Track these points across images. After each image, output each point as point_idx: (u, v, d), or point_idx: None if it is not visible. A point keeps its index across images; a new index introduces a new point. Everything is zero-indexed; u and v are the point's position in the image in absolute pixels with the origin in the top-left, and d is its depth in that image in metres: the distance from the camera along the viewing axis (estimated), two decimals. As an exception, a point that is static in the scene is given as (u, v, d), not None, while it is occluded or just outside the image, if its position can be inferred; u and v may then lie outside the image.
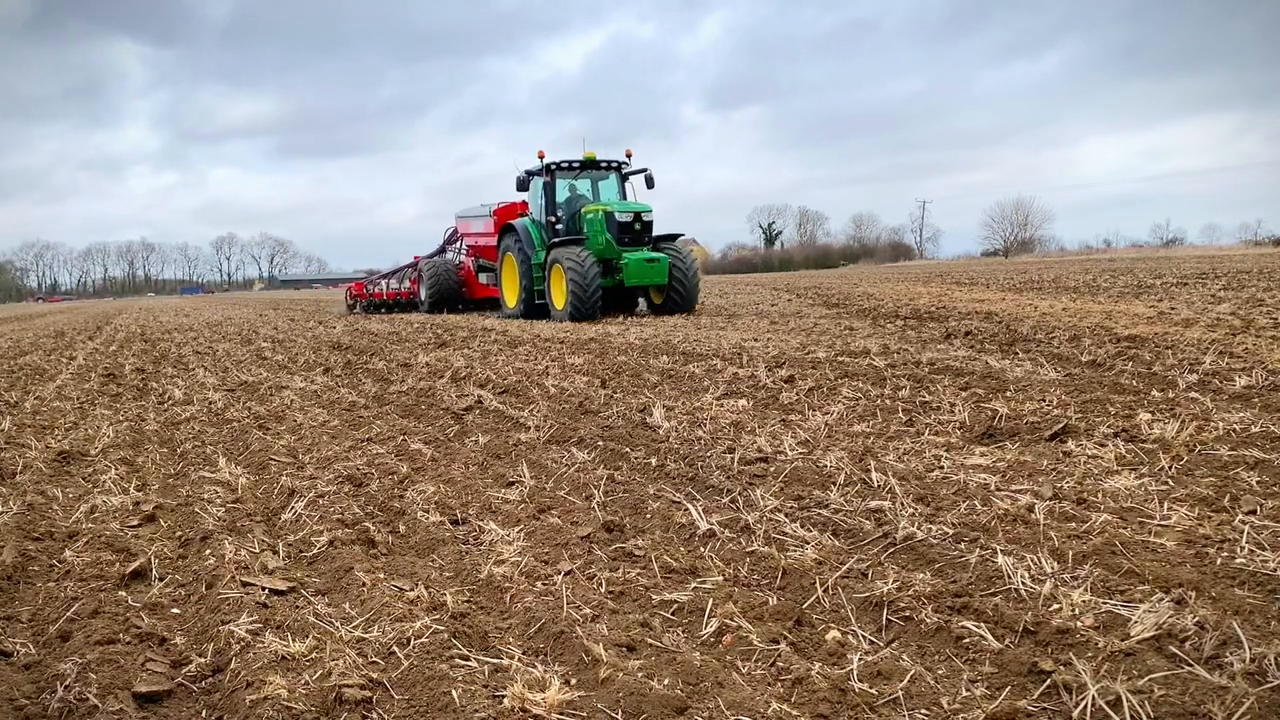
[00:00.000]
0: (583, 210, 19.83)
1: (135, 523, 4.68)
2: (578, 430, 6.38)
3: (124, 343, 18.79)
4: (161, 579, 3.85)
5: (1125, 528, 3.76)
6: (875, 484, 4.56)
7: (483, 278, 25.36)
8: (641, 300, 20.76)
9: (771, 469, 5.03)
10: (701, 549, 3.89)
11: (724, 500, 4.54)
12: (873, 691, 2.64)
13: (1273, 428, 5.17)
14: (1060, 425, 5.53)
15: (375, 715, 2.62)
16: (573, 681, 2.77)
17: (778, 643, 2.97)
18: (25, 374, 12.50)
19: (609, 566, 3.76)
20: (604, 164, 20.68)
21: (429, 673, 2.80)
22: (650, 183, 20.27)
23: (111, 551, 4.15)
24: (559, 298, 18.85)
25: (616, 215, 18.92)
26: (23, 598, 3.68)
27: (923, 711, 2.54)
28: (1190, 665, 2.60)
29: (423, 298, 25.64)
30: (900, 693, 2.62)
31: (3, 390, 10.47)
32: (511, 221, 21.25)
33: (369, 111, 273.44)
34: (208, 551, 4.11)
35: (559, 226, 20.12)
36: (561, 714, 2.56)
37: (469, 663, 2.91)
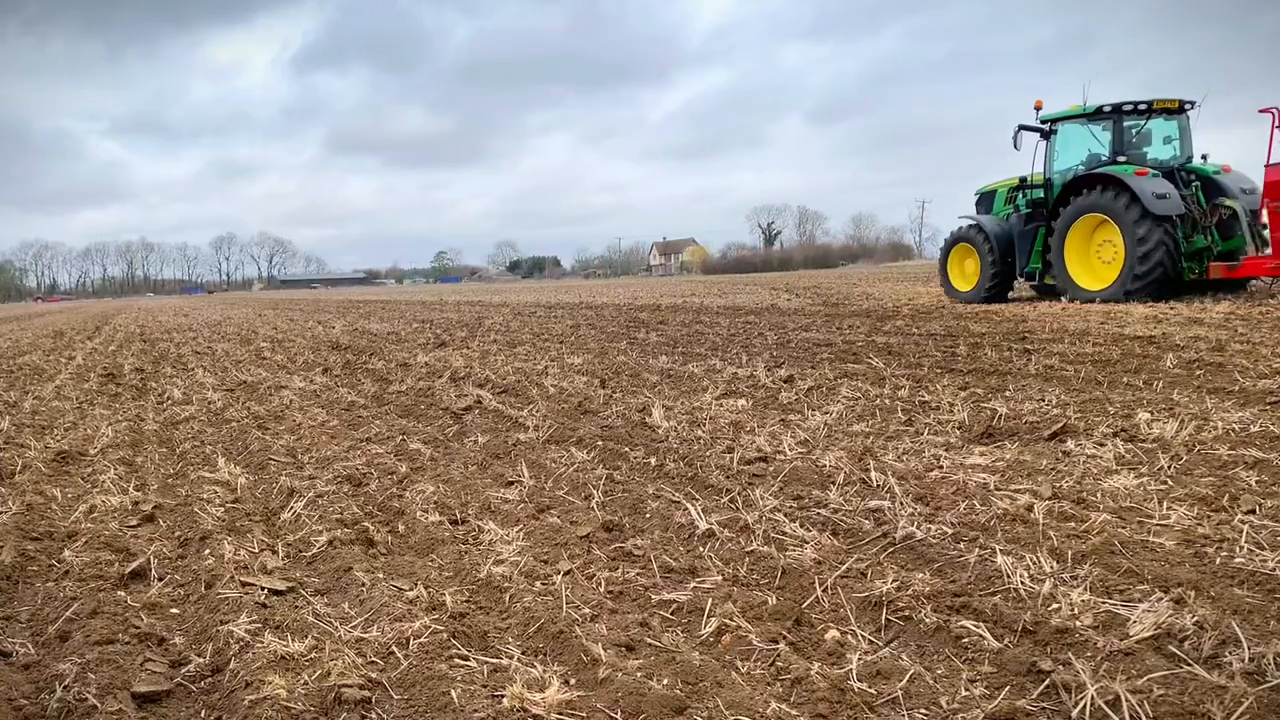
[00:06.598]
0: None
1: (134, 523, 4.68)
2: (577, 430, 6.38)
3: (123, 343, 18.77)
4: (161, 579, 3.85)
5: (1125, 527, 3.76)
6: (874, 484, 4.56)
7: None
8: None
9: (771, 469, 5.03)
10: (701, 549, 3.89)
11: (723, 500, 4.53)
12: (872, 691, 2.64)
13: (1272, 428, 5.17)
14: (1060, 425, 5.53)
15: (374, 715, 2.62)
16: (572, 681, 2.77)
17: (777, 643, 2.97)
18: (24, 374, 12.49)
19: (608, 566, 3.76)
20: None
21: (428, 673, 2.80)
22: None
23: (111, 551, 4.15)
24: None
25: None
26: (22, 598, 3.68)
27: (922, 711, 2.54)
28: (1189, 665, 2.60)
29: None
30: (900, 692, 2.62)
31: (2, 390, 10.46)
32: None
33: (499, 129, 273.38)
34: (207, 551, 4.10)
35: None
36: (561, 714, 2.56)
37: (468, 663, 2.91)
